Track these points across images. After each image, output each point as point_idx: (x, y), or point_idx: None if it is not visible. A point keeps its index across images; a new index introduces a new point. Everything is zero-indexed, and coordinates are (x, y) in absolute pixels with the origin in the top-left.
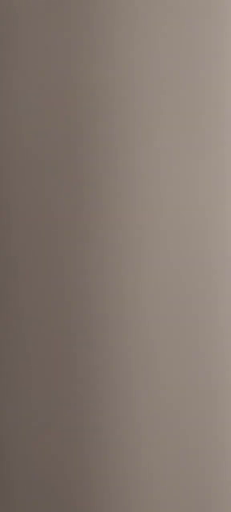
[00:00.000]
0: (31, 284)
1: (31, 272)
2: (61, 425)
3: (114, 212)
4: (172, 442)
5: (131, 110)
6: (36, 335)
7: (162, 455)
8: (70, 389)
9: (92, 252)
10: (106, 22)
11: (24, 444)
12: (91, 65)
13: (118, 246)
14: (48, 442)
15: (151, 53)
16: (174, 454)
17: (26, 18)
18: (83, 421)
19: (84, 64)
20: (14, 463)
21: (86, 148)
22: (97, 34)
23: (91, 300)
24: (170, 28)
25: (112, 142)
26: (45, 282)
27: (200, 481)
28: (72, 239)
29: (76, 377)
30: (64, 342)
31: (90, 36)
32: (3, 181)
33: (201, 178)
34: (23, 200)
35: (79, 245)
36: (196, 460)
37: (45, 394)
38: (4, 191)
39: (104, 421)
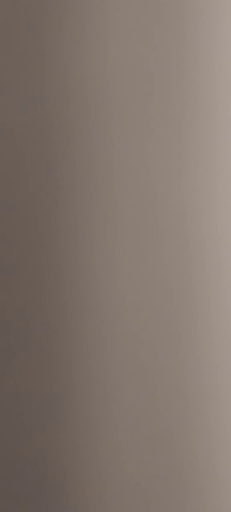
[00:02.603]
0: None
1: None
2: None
3: (113, 213)
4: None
5: (127, 112)
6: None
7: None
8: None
9: (87, 255)
10: (105, 23)
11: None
12: (88, 66)
13: (117, 248)
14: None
15: (149, 53)
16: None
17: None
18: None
19: (82, 65)
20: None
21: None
22: (95, 33)
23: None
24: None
25: (107, 144)
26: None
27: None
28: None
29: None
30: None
31: (87, 36)
32: (1, 181)
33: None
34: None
35: (76, 244)
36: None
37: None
38: (1, 191)
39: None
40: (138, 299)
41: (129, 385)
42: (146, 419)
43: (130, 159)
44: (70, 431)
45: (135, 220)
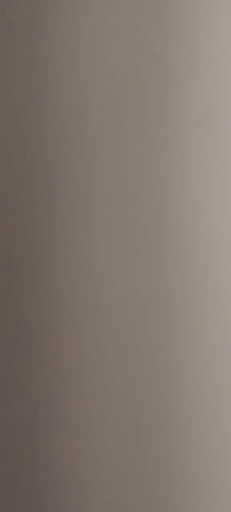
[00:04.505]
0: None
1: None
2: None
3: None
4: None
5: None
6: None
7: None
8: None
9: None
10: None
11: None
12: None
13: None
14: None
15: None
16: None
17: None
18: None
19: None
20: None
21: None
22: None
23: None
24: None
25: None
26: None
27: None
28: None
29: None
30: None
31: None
32: None
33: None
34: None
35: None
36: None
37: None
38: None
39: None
40: (133, 297)
41: (125, 384)
42: (141, 414)
43: (126, 156)
44: (63, 422)
45: (130, 215)
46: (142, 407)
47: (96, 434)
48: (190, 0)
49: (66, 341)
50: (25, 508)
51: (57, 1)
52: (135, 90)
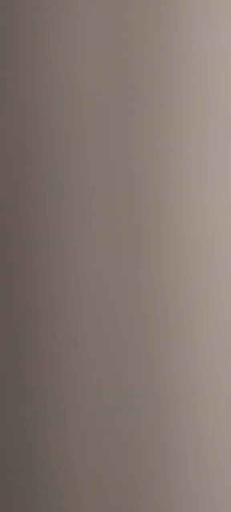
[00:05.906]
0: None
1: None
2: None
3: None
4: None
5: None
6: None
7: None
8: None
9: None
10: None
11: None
12: (93, 64)
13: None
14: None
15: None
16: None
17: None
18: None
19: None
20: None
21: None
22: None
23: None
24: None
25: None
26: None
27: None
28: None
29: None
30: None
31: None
32: None
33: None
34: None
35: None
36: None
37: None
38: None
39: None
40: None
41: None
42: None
43: (126, 156)
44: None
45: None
46: (141, 407)
47: (96, 433)
48: (190, 0)
49: (65, 340)
50: (25, 508)
51: (57, 1)
52: (135, 89)
